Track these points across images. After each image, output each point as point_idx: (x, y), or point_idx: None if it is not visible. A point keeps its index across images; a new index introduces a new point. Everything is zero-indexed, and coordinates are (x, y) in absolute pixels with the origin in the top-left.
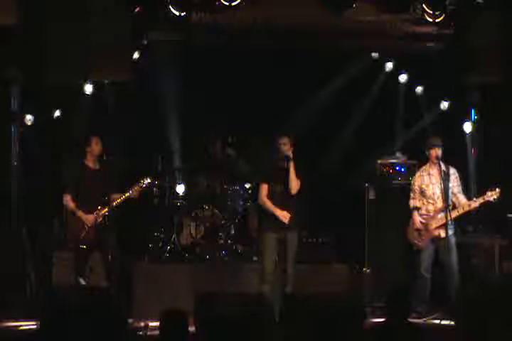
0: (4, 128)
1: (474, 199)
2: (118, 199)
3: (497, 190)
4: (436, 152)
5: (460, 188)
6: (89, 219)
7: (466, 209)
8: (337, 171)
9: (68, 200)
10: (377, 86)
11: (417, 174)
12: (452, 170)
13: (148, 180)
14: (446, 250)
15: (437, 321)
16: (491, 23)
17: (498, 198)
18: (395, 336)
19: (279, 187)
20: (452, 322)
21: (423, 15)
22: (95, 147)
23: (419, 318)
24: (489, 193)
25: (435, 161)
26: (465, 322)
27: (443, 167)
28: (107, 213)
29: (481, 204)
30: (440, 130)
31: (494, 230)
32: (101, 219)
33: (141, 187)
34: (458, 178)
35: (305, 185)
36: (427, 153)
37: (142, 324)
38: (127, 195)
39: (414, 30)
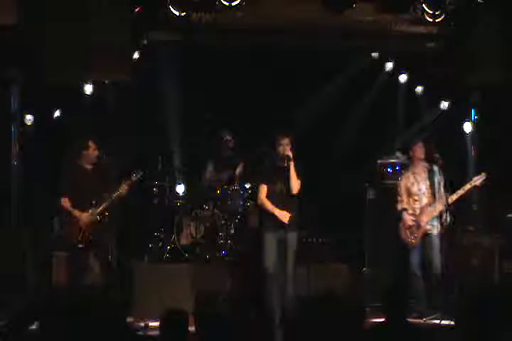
0: (4, 128)
1: (462, 188)
2: (110, 197)
3: (482, 174)
4: (420, 147)
5: (443, 187)
6: (83, 216)
7: (455, 198)
8: (337, 171)
9: (65, 201)
10: (377, 86)
11: (403, 176)
12: (435, 168)
13: (139, 174)
14: (430, 247)
15: (437, 321)
16: (491, 23)
17: (485, 182)
18: (395, 336)
19: (279, 187)
20: (452, 322)
21: (423, 15)
22: (92, 152)
23: (419, 318)
24: (475, 178)
25: (421, 156)
26: (465, 322)
27: (426, 164)
28: (101, 211)
29: (469, 190)
30: (440, 130)
31: (494, 230)
32: (95, 216)
33: (132, 181)
34: (442, 176)
35: (305, 185)
36: (410, 152)
37: (142, 324)
38: (117, 192)
39: (414, 30)
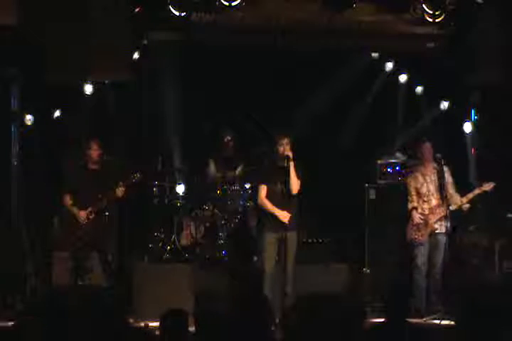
0: (4, 128)
1: (472, 192)
2: (108, 197)
3: (491, 182)
4: (429, 147)
5: (453, 186)
6: (81, 215)
7: (465, 201)
8: (337, 171)
9: (67, 200)
10: (377, 86)
11: (411, 176)
12: (445, 168)
13: (138, 176)
14: (435, 246)
15: (437, 321)
16: (491, 23)
17: (493, 189)
18: (395, 336)
19: (278, 188)
20: (452, 322)
21: (423, 15)
22: (94, 152)
23: (419, 318)
24: (486, 184)
25: (430, 157)
26: (465, 322)
27: (435, 164)
28: (99, 211)
29: (478, 194)
30: (440, 130)
31: (494, 230)
32: (93, 215)
33: (130, 182)
34: (451, 175)
35: (305, 185)
36: (418, 154)
37: (142, 324)
38: (114, 193)
39: (414, 30)
